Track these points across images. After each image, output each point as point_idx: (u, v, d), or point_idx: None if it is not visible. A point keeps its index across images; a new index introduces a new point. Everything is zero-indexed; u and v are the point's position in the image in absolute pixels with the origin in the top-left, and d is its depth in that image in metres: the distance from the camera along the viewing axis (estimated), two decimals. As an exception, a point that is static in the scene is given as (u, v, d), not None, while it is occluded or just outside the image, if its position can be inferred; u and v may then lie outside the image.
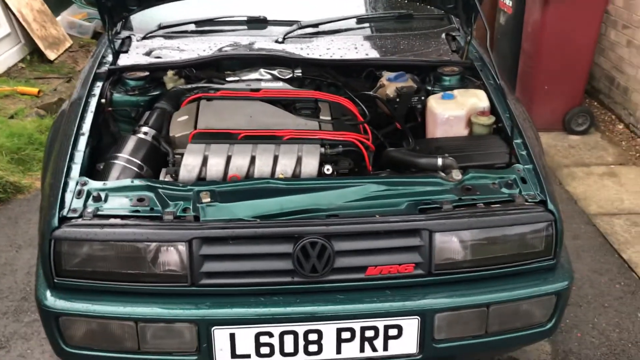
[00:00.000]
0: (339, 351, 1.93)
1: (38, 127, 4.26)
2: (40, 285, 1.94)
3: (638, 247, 3.34)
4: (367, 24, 3.11)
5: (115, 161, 2.17)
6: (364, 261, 1.90)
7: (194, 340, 1.89)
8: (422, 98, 2.55)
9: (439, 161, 2.17)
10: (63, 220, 1.88)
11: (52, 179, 2.04)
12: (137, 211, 1.90)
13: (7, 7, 5.73)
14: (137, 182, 2.00)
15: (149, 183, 1.98)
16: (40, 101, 4.91)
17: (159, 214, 1.89)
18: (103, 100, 2.43)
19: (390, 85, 2.58)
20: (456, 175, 2.07)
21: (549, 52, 4.45)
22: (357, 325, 1.90)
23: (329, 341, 1.91)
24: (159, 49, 2.83)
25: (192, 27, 3.02)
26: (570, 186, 3.97)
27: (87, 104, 2.36)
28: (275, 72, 2.65)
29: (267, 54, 2.66)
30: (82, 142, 2.17)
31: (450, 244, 1.94)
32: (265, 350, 1.90)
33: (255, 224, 1.86)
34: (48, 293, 1.90)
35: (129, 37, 2.92)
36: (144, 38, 2.92)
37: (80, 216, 1.88)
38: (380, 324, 1.91)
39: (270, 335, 1.89)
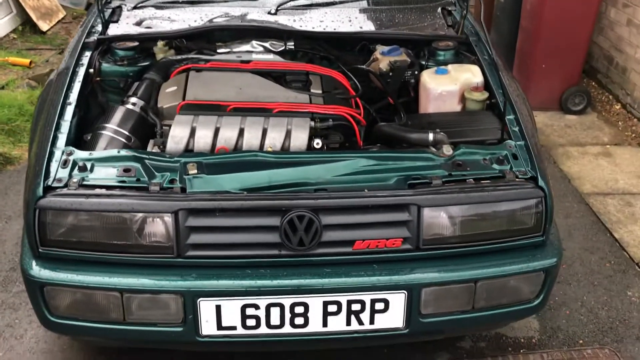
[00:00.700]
0: (325, 324, 1.93)
1: (29, 99, 4.22)
2: (25, 255, 1.92)
3: (630, 227, 3.33)
4: (362, -4, 3.06)
5: (103, 132, 2.14)
6: (352, 235, 1.89)
7: (179, 311, 1.88)
8: (416, 72, 2.52)
9: (430, 136, 2.15)
10: (48, 189, 1.86)
11: (38, 149, 2.02)
12: (124, 181, 1.88)
13: (-2, -23, 5.64)
14: (123, 152, 1.98)
15: (136, 154, 1.96)
16: (32, 72, 4.86)
17: (145, 185, 1.87)
18: (91, 70, 2.39)
19: (383, 59, 2.55)
20: (447, 150, 2.05)
21: (547, 30, 4.40)
22: (343, 298, 1.90)
23: (316, 314, 1.91)
24: (149, 19, 2.78)
25: (184, -4, 2.96)
26: (564, 165, 3.96)
27: (74, 73, 2.33)
28: (267, 44, 2.61)
29: (259, 25, 2.62)
30: (69, 111, 2.14)
31: (439, 219, 1.93)
32: (251, 322, 1.90)
33: (242, 196, 1.85)
34: (33, 263, 1.89)
35: (119, 7, 2.87)
36: (135, 8, 2.87)
37: (66, 186, 1.86)
38: (366, 297, 1.91)
39: (257, 307, 1.88)
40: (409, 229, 1.91)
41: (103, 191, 1.85)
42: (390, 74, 2.49)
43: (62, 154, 1.96)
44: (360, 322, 1.94)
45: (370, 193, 1.89)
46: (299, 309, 1.89)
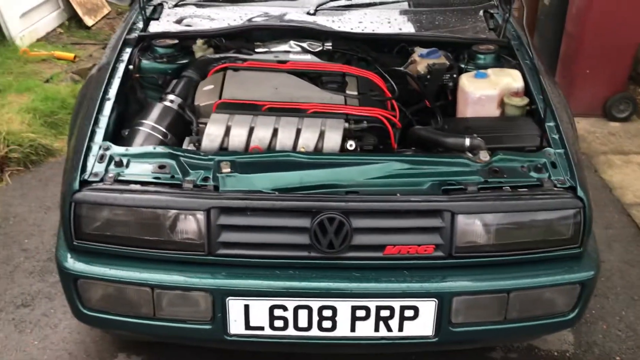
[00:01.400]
0: (353, 329, 1.91)
1: (72, 92, 4.31)
2: (60, 247, 1.96)
3: (674, 240, 3.22)
4: (402, -2, 3.03)
5: (140, 128, 2.17)
6: (383, 240, 1.87)
7: (208, 309, 1.89)
8: (454, 76, 2.48)
9: (467, 141, 2.11)
10: (84, 183, 1.89)
11: (76, 142, 2.06)
12: (158, 178, 1.90)
13: (47, -27, 5.79)
14: (159, 149, 2.00)
15: (171, 151, 1.97)
16: (76, 66, 4.97)
17: (179, 182, 1.88)
18: (131, 67, 2.43)
19: (421, 61, 2.51)
20: (484, 156, 2.01)
21: (593, 35, 4.29)
22: (372, 304, 1.88)
23: (344, 318, 1.89)
24: (189, 17, 2.80)
25: (224, -5, 2.98)
26: (606, 174, 3.84)
27: (114, 69, 2.36)
28: (304, 45, 2.60)
29: (297, 25, 2.61)
30: (108, 107, 2.18)
31: (473, 226, 1.90)
32: (279, 323, 1.90)
33: (273, 196, 1.85)
34: (68, 255, 1.93)
35: (161, 4, 2.90)
36: (176, 5, 2.90)
37: (101, 180, 1.89)
38: (396, 304, 1.88)
39: (285, 308, 1.88)
40: (441, 236, 1.87)
41: (138, 187, 1.87)
42: (428, 76, 2.46)
43: (99, 148, 1.99)
44: (389, 329, 1.91)
45: (402, 197, 1.86)
46: (327, 313, 1.88)
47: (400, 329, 1.91)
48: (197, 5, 2.92)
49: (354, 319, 1.89)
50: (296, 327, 1.90)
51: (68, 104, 4.13)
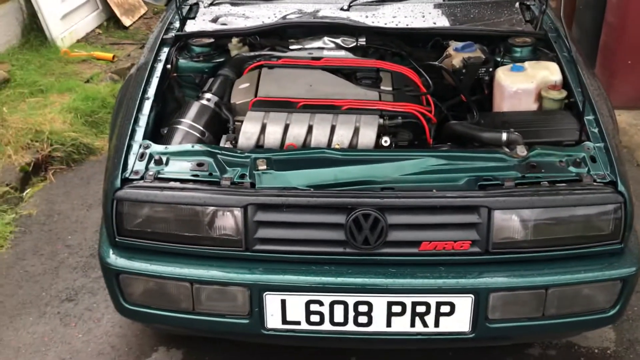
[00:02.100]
0: (389, 324, 1.92)
1: (111, 92, 4.41)
2: (103, 243, 2.02)
3: None
4: (436, -9, 3.01)
5: (179, 126, 2.21)
6: (418, 236, 1.87)
7: (246, 304, 1.92)
8: (490, 70, 2.45)
9: (504, 136, 2.09)
10: (125, 181, 1.94)
11: (117, 141, 2.11)
12: (197, 175, 1.93)
13: (86, -25, 5.92)
14: (197, 147, 2.04)
15: (209, 149, 2.01)
16: (115, 66, 5.08)
17: (217, 179, 1.91)
18: (169, 66, 2.47)
19: (457, 55, 2.49)
20: (521, 151, 1.99)
21: (635, 25, 4.17)
22: (408, 300, 1.88)
23: (379, 314, 1.90)
24: (225, 15, 2.84)
25: (258, -7, 3.01)
26: (649, 168, 3.75)
27: (153, 69, 2.41)
28: (338, 41, 2.61)
29: (330, 22, 2.62)
30: (147, 106, 2.23)
31: (510, 222, 1.88)
32: (315, 318, 1.92)
33: (309, 193, 1.86)
34: (110, 251, 1.98)
35: (196, 4, 2.95)
36: (211, 4, 2.94)
37: (142, 178, 1.94)
38: (432, 300, 1.88)
39: (321, 304, 1.90)
40: (478, 232, 1.87)
41: (177, 184, 1.91)
42: (464, 70, 2.44)
43: (140, 147, 2.03)
44: (425, 324, 1.91)
45: (438, 193, 1.86)
46: (363, 308, 1.89)
47: (437, 324, 1.91)
48: (232, 4, 2.95)
49: (390, 314, 1.90)
50: (332, 322, 1.92)
51: (108, 103, 4.23)
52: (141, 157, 2.00)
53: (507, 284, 1.88)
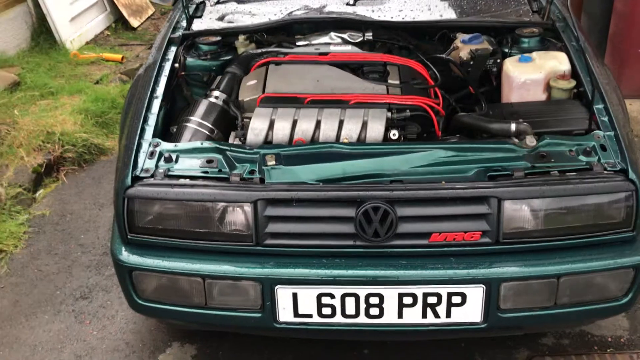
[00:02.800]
0: (400, 316, 1.92)
1: (121, 92, 4.44)
2: (115, 241, 2.04)
3: None
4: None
5: (188, 124, 2.23)
6: (428, 227, 1.87)
7: (258, 298, 1.94)
8: (498, 61, 2.45)
9: (512, 126, 2.09)
10: (136, 179, 1.96)
11: (127, 140, 2.13)
12: (206, 172, 1.95)
13: (93, -23, 5.96)
14: (206, 144, 2.05)
15: (218, 145, 2.02)
16: (124, 67, 5.11)
17: (227, 176, 1.93)
18: (176, 65, 2.49)
19: (464, 47, 2.49)
20: (530, 141, 1.99)
21: (644, 12, 4.13)
22: (419, 291, 1.89)
23: (391, 305, 1.91)
24: (231, 13, 2.85)
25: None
26: (660, 157, 3.71)
27: (161, 68, 2.43)
28: (345, 36, 2.62)
29: (337, 17, 2.63)
30: (156, 105, 2.24)
31: (520, 212, 1.88)
32: (326, 311, 1.93)
33: (318, 187, 1.87)
34: (122, 248, 2.00)
35: (203, 2, 2.96)
36: (217, 3, 2.96)
37: (152, 176, 1.96)
38: (443, 290, 1.89)
39: (332, 296, 1.91)
40: (488, 222, 1.87)
41: (187, 181, 1.93)
42: (471, 62, 2.44)
43: (149, 145, 2.05)
44: (437, 315, 1.92)
45: (447, 185, 1.86)
46: (374, 300, 1.90)
47: (448, 315, 1.92)
48: (238, 2, 2.96)
49: (401, 305, 1.91)
50: (344, 315, 1.93)
51: (118, 103, 4.26)
52: (151, 155, 2.02)
53: (518, 273, 1.88)
